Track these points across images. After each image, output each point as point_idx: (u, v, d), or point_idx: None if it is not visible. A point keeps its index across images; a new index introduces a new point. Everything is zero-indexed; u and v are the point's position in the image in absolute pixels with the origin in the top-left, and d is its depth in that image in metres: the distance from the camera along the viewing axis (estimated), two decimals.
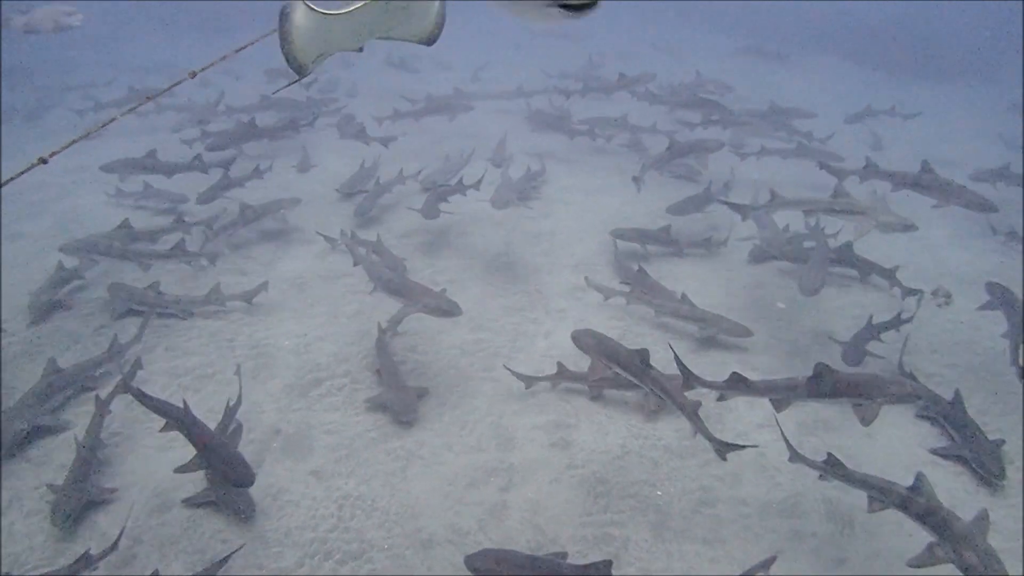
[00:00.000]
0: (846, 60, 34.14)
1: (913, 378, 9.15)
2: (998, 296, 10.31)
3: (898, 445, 8.57)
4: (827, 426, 8.74)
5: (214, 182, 14.26)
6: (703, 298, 10.83)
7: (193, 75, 5.65)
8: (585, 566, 6.33)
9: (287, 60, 4.94)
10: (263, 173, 14.81)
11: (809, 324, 10.43)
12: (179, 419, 7.88)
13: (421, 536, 7.32)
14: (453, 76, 25.57)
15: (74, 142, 4.28)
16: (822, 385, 7.45)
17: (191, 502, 7.52)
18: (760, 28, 36.91)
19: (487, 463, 8.19)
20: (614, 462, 8.23)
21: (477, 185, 13.79)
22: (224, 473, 7.37)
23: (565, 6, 3.11)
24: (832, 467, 7.07)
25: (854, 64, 33.64)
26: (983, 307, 10.47)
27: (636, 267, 11.37)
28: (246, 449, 8.26)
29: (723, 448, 7.26)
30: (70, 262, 11.46)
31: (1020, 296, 10.05)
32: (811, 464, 7.25)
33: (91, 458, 7.87)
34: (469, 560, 6.48)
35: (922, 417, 8.89)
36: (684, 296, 10.69)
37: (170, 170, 14.57)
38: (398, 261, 11.75)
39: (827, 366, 7.41)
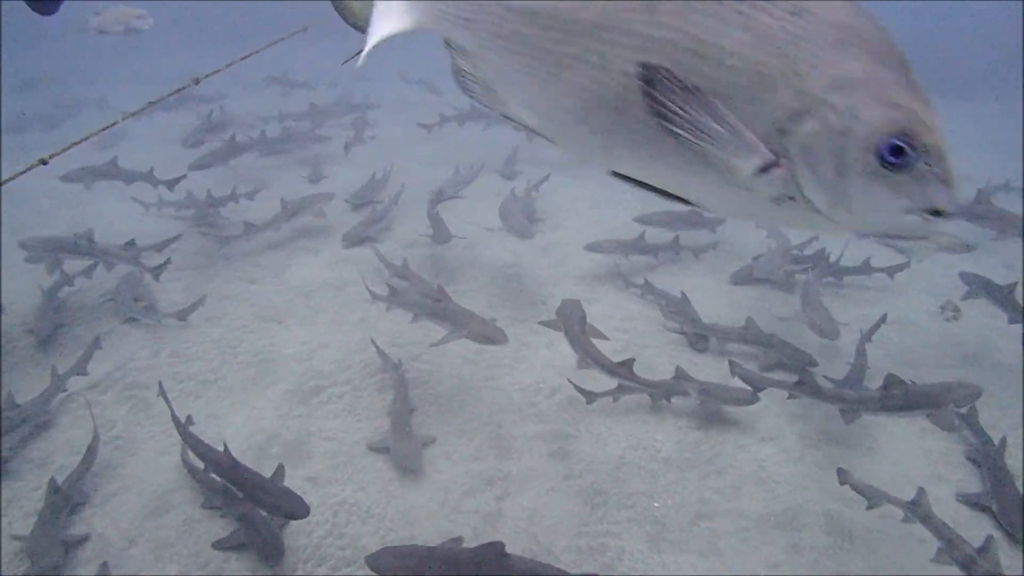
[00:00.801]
0: None
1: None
2: (976, 284, 10.62)
3: (904, 460, 8.47)
4: (829, 439, 8.63)
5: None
6: (707, 310, 10.78)
7: (197, 81, 5.71)
8: (478, 548, 6.37)
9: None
10: (239, 197, 14.57)
11: (814, 337, 10.32)
12: (220, 463, 7.43)
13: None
14: None
15: (75, 144, 4.30)
16: (894, 398, 7.66)
17: (221, 545, 7.24)
18: None
19: (485, 472, 8.16)
20: (612, 473, 8.19)
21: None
22: (278, 508, 7.05)
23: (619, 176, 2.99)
24: (915, 507, 6.91)
25: None
26: (966, 296, 10.72)
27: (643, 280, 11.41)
28: (244, 456, 8.26)
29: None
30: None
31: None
32: (896, 502, 7.08)
33: (64, 505, 7.41)
34: (370, 560, 6.36)
35: (971, 460, 8.42)
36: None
37: (129, 178, 14.71)
38: (428, 285, 11.20)
39: (897, 377, 7.59)
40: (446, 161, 17.54)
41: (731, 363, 9.17)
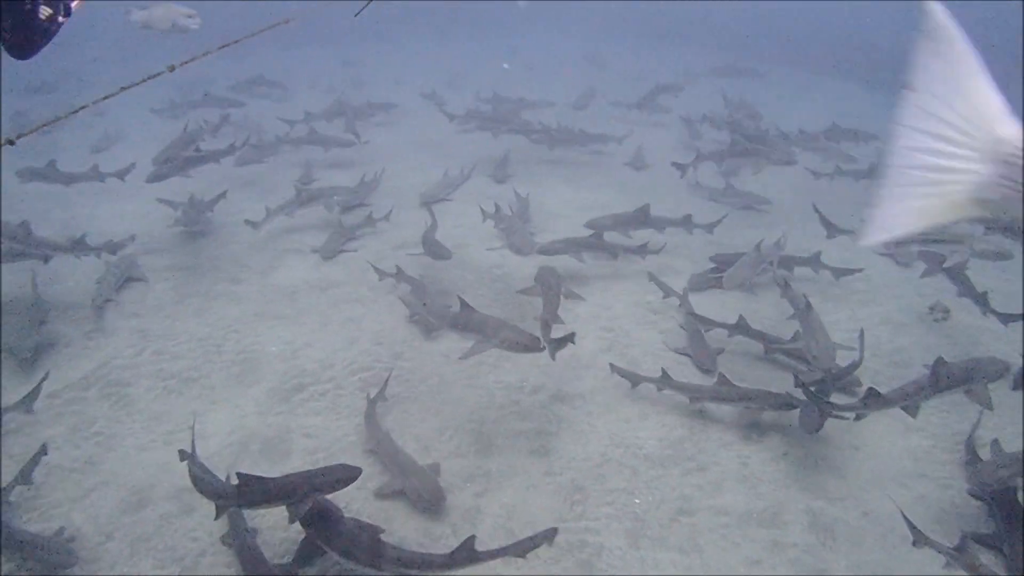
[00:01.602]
0: (822, 75, 34.10)
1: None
2: (931, 260, 11.30)
3: (885, 458, 8.39)
4: (813, 436, 8.53)
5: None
6: (700, 310, 10.73)
7: (171, 69, 5.67)
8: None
9: None
10: (214, 205, 14.33)
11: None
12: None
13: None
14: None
15: (42, 126, 4.25)
16: (941, 379, 7.82)
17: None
18: (729, 45, 36.84)
19: (464, 469, 8.09)
20: (593, 470, 8.11)
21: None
22: (337, 483, 6.60)
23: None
24: (961, 554, 6.68)
25: (829, 78, 33.68)
26: (924, 274, 11.39)
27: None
28: (224, 453, 8.25)
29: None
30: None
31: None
32: (939, 548, 6.76)
33: None
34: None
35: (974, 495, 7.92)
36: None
37: (67, 180, 14.72)
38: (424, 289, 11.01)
39: (943, 359, 7.89)
40: (435, 166, 17.62)
41: (796, 377, 8.89)
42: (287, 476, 6.66)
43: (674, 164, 15.51)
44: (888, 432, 8.76)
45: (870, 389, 7.86)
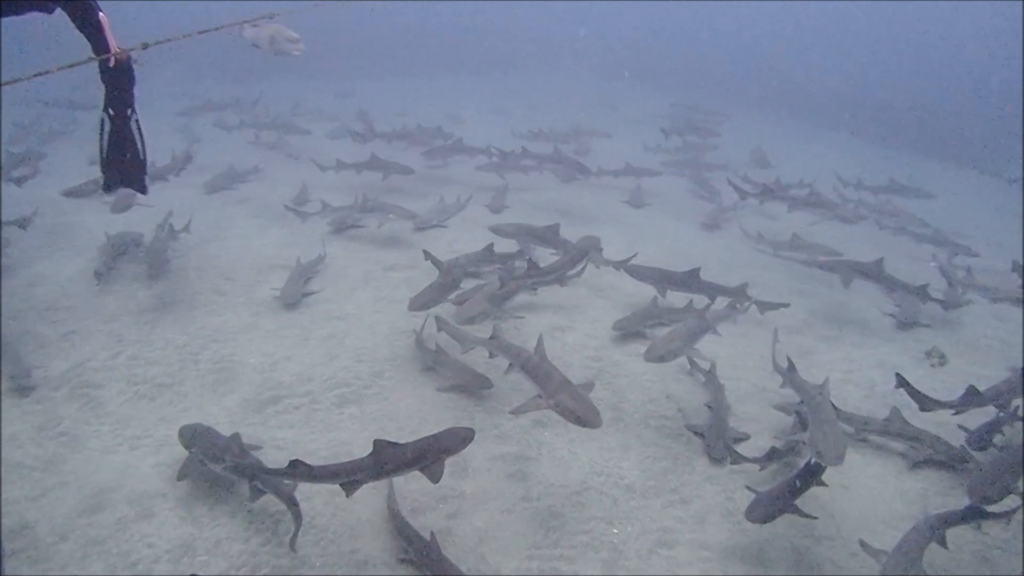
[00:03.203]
0: (796, 119, 34.27)
1: None
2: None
3: (876, 499, 8.09)
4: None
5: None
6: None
7: (145, 46, 5.53)
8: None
9: None
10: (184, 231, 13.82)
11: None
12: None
13: (357, 557, 6.92)
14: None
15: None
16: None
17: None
18: (692, 85, 37.03)
19: (438, 490, 7.75)
20: (572, 497, 7.80)
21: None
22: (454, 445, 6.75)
23: None
24: None
25: (796, 121, 33.96)
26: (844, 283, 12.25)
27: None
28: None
29: None
30: None
31: None
32: None
33: None
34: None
35: None
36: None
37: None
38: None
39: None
40: (428, 194, 17.46)
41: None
42: (416, 442, 6.68)
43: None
44: (881, 473, 8.49)
45: (970, 387, 8.63)
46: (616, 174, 19.53)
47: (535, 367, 7.97)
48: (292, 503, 7.02)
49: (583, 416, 7.21)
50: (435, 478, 6.50)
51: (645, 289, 11.92)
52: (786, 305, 11.73)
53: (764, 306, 11.55)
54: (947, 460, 8.57)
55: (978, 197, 24.31)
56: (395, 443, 6.54)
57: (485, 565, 6.90)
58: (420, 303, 10.21)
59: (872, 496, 8.13)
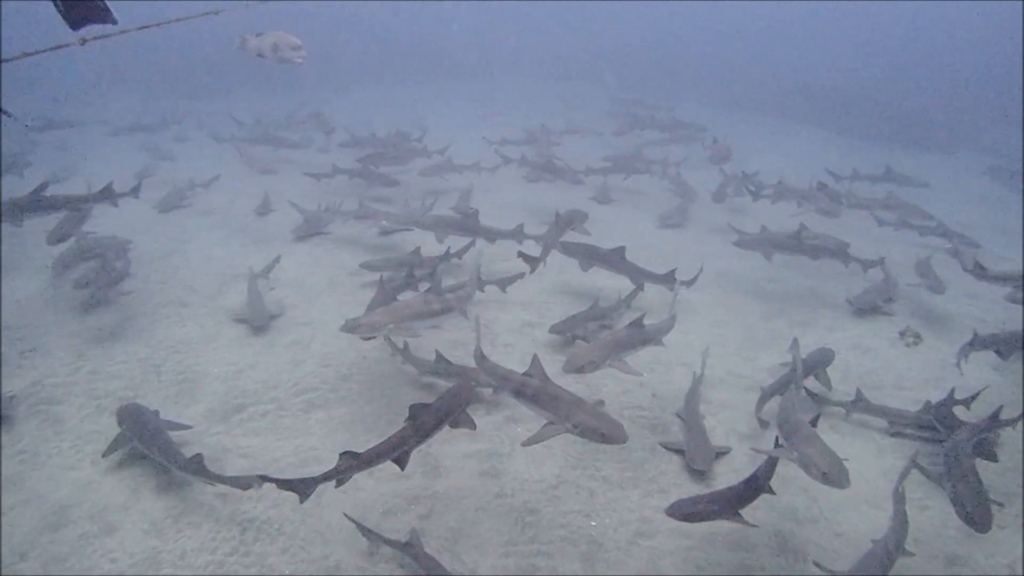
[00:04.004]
0: (764, 115, 34.46)
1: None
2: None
3: (858, 479, 7.89)
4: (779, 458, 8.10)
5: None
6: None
7: (83, 42, 5.31)
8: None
9: None
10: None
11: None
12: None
13: (327, 563, 6.69)
14: None
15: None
16: None
17: None
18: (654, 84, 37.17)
19: (410, 491, 7.56)
20: (547, 491, 7.61)
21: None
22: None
23: None
24: None
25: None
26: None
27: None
28: (147, 472, 7.69)
29: None
30: None
31: None
32: None
33: None
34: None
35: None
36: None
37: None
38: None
39: None
40: (392, 199, 17.41)
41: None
42: (438, 400, 6.98)
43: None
44: (862, 453, 8.37)
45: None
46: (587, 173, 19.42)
47: (537, 392, 7.13)
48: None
49: (609, 433, 6.62)
50: (471, 425, 7.00)
51: (617, 283, 11.81)
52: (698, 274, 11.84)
53: (691, 283, 11.62)
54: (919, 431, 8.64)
55: (958, 186, 24.32)
56: (425, 404, 6.83)
57: (460, 564, 6.69)
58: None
59: (854, 476, 7.92)
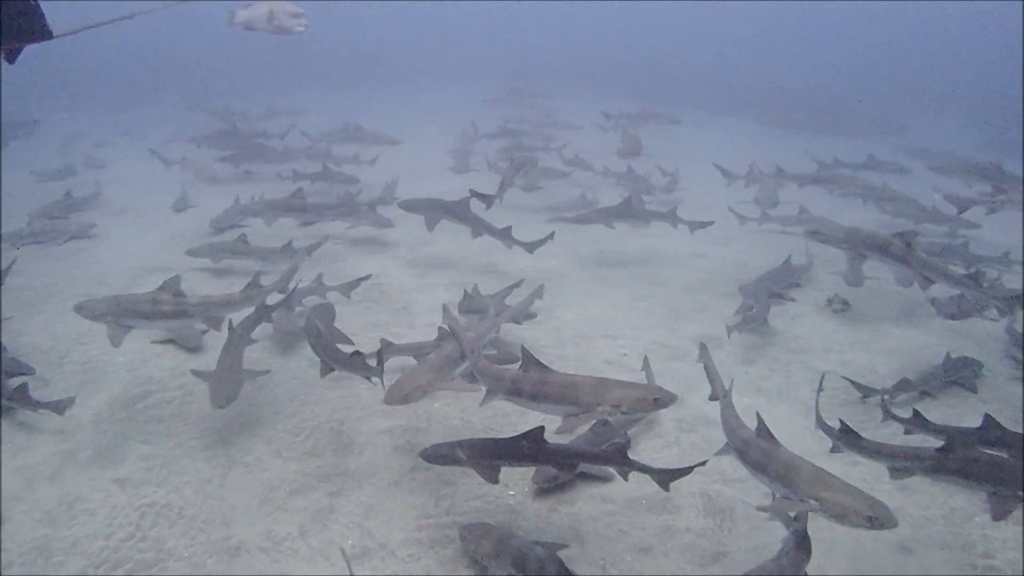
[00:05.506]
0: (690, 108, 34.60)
1: None
2: None
3: (787, 440, 7.65)
4: (708, 422, 7.90)
5: None
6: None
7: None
8: None
9: None
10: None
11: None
12: None
13: (229, 544, 6.30)
14: None
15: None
16: None
17: None
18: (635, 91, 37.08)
19: (319, 469, 7.21)
20: None
21: None
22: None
23: None
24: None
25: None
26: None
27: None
28: (48, 462, 7.25)
29: None
30: None
31: None
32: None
33: None
34: None
35: None
36: None
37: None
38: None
39: None
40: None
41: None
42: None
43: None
44: (789, 413, 8.22)
45: None
46: None
47: (540, 384, 6.52)
48: None
49: (661, 397, 6.22)
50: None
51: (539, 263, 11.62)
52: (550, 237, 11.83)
53: (533, 246, 11.73)
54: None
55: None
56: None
57: (371, 539, 6.36)
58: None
59: (783, 438, 7.78)
